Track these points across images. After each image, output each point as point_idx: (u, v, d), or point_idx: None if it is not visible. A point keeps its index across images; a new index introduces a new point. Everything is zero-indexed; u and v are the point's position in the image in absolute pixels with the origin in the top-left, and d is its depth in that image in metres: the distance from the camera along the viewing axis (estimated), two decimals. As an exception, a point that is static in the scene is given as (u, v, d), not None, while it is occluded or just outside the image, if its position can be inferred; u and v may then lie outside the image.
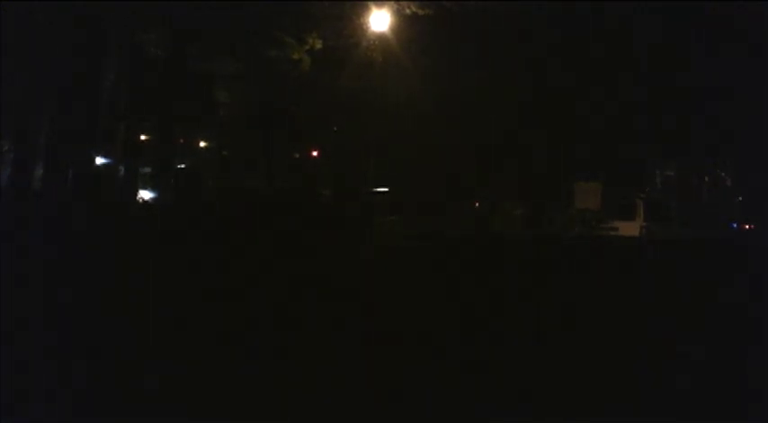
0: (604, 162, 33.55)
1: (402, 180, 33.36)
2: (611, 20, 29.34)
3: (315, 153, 40.20)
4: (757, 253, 16.95)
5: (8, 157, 20.96)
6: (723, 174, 38.72)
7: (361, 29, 25.33)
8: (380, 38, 25.84)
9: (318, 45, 25.07)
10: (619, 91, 30.80)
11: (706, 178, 38.69)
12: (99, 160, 25.61)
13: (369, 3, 24.55)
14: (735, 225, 35.82)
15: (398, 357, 6.62)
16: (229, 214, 17.55)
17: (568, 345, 7.32)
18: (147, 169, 28.80)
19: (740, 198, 38.44)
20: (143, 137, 28.56)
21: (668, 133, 32.28)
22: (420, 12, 24.96)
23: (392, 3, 24.63)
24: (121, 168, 24.54)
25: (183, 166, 33.42)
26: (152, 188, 30.01)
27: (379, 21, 24.65)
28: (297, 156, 39.11)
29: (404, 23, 25.65)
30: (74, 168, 21.64)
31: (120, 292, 8.70)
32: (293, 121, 31.63)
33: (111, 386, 5.46)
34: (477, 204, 36.29)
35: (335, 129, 35.29)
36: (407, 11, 24.85)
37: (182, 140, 33.82)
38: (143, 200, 28.72)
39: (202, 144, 42.01)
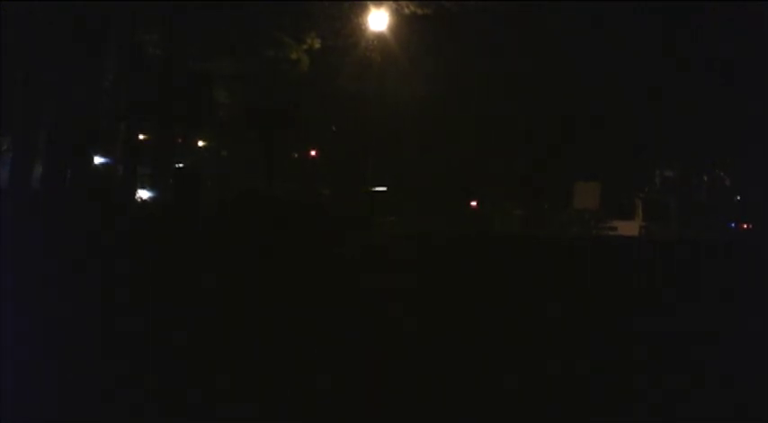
0: (604, 162, 33.59)
1: (402, 180, 33.39)
2: (611, 20, 29.35)
3: (314, 153, 40.22)
4: (757, 253, 16.96)
5: (8, 157, 20.98)
6: (722, 174, 38.76)
7: (359, 29, 25.38)
8: (379, 38, 25.85)
9: (317, 45, 25.11)
10: (618, 91, 30.82)
11: (705, 178, 38.73)
12: (99, 160, 25.64)
13: (367, 3, 24.59)
14: (733, 225, 35.89)
15: (403, 356, 6.64)
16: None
17: (563, 346, 7.34)
18: (147, 169, 28.81)
19: (739, 198, 38.50)
20: (143, 137, 28.57)
21: (668, 133, 32.31)
22: (419, 11, 25.00)
23: (391, 2, 24.66)
24: (120, 168, 24.59)
25: (181, 165, 33.43)
26: (151, 188, 30.03)
27: (378, 20, 24.69)
28: (296, 155, 39.13)
29: (402, 23, 25.68)
30: (73, 168, 21.65)
31: (122, 292, 8.71)
32: (292, 120, 31.64)
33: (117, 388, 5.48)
34: (476, 204, 36.34)
35: (334, 129, 35.30)
36: (406, 11, 24.90)
37: (181, 140, 33.82)
38: (141, 199, 28.74)
39: (201, 144, 42.01)
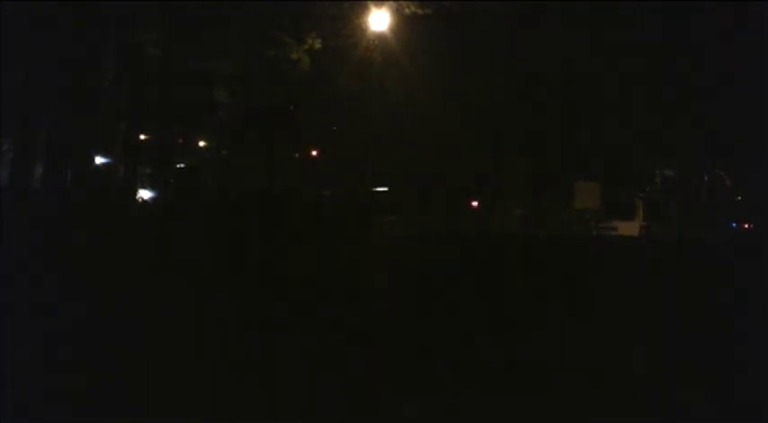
0: (604, 162, 33.54)
1: (402, 180, 33.39)
2: (611, 20, 29.33)
3: (314, 153, 40.22)
4: (757, 253, 16.97)
5: (8, 157, 20.99)
6: (723, 173, 38.72)
7: (360, 28, 25.34)
8: (380, 37, 25.82)
9: (317, 45, 25.08)
10: (618, 91, 30.79)
11: (706, 178, 38.69)
12: (99, 160, 25.64)
13: (368, 3, 24.56)
14: (734, 225, 35.87)
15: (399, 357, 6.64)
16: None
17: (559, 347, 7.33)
18: (147, 169, 28.81)
19: (740, 197, 38.47)
20: (143, 137, 28.57)
21: (668, 133, 32.27)
22: (419, 11, 24.98)
23: (391, 3, 24.63)
24: (120, 168, 24.58)
25: (182, 165, 33.44)
26: (151, 188, 30.04)
27: (379, 20, 24.65)
28: (296, 155, 39.13)
29: (403, 23, 25.65)
30: (73, 168, 21.67)
31: (122, 291, 8.71)
32: (292, 120, 31.64)
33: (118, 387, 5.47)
34: (476, 204, 36.33)
35: (335, 128, 35.29)
36: (406, 11, 24.87)
37: (181, 140, 33.82)
38: (142, 199, 28.75)
39: (201, 144, 42.02)
